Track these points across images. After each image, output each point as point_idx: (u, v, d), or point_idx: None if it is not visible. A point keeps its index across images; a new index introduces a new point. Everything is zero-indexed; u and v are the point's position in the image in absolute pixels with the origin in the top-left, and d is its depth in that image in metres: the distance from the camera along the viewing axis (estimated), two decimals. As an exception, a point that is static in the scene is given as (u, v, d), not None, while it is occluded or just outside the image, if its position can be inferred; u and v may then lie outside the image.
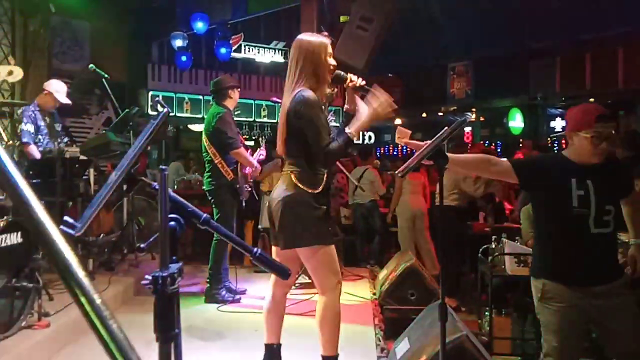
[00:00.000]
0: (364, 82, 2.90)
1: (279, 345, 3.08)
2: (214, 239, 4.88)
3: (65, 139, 5.11)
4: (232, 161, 4.92)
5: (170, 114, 10.90)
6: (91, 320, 0.83)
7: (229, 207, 4.93)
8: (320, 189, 2.82)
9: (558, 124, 13.74)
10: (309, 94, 2.76)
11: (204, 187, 5.07)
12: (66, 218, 1.47)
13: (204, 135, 4.98)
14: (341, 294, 2.96)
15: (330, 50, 2.88)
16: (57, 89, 5.11)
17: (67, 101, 5.14)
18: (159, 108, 1.66)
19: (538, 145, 7.13)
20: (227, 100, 5.05)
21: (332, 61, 2.88)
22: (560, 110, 13.67)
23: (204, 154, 5.03)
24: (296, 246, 2.84)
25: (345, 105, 2.93)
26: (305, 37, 2.91)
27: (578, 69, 11.38)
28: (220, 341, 3.96)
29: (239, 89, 5.22)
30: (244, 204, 5.05)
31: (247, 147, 5.25)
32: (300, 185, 2.78)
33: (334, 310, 2.87)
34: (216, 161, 4.88)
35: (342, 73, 2.93)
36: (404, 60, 12.53)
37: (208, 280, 4.96)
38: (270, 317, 3.07)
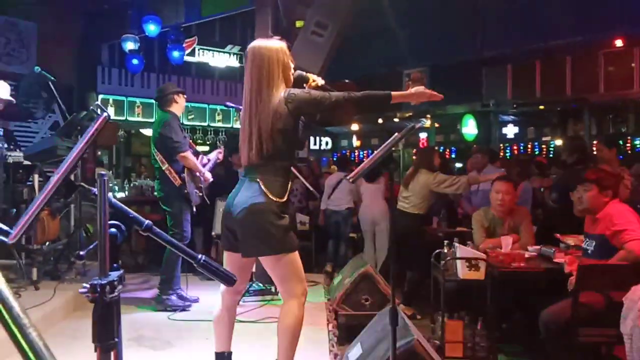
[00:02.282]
0: (323, 82, 2.93)
1: (230, 353, 3.03)
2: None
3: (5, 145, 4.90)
4: (180, 167, 4.87)
5: (122, 118, 10.67)
6: (9, 328, 0.78)
7: (180, 214, 4.86)
8: (285, 198, 2.81)
9: (510, 130, 14.10)
10: (300, 90, 2.80)
11: (155, 194, 5.03)
12: None
13: (152, 143, 4.93)
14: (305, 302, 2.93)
15: (288, 53, 2.89)
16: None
17: (8, 98, 4.92)
18: (99, 112, 1.60)
19: (490, 151, 7.27)
20: (172, 105, 5.03)
21: (292, 64, 2.89)
22: (512, 117, 14.03)
23: (152, 162, 4.98)
24: (261, 254, 2.80)
25: None
26: (265, 42, 2.88)
27: (528, 77, 11.70)
28: (170, 350, 3.87)
29: (184, 95, 5.21)
30: (194, 210, 4.98)
31: (197, 153, 5.18)
32: (268, 194, 2.74)
33: (297, 317, 2.85)
34: (164, 168, 4.82)
35: (304, 73, 2.95)
36: (359, 66, 12.62)
37: (159, 286, 4.89)
38: (220, 325, 3.01)
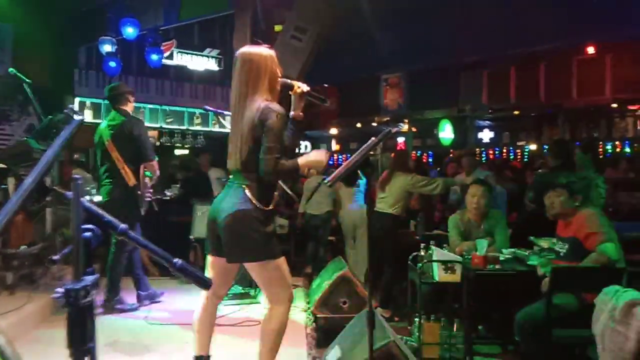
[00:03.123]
0: (308, 89, 2.95)
1: (209, 356, 3.03)
2: (111, 247, 4.84)
3: None
4: (135, 168, 4.86)
5: (99, 121, 10.52)
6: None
7: (132, 217, 4.74)
8: (271, 206, 2.83)
9: (486, 135, 14.27)
10: (278, 107, 2.76)
11: (100, 198, 4.99)
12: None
13: (105, 140, 4.88)
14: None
15: (277, 62, 2.91)
16: None
17: None
18: (75, 117, 1.59)
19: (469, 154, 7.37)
20: (127, 105, 5.03)
21: (279, 73, 2.92)
22: (487, 122, 14.21)
23: (98, 162, 5.00)
24: (244, 261, 2.82)
25: (291, 112, 2.95)
26: (256, 49, 2.89)
27: (503, 83, 11.89)
28: (148, 354, 3.84)
29: (133, 95, 5.20)
30: (142, 213, 4.95)
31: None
32: (254, 201, 2.75)
33: (281, 322, 2.87)
34: (119, 166, 4.80)
35: (289, 81, 2.96)
36: (339, 70, 12.68)
37: (107, 292, 4.85)
38: (200, 329, 3.01)
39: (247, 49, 2.91)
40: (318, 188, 7.25)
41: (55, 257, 1.67)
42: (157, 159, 4.97)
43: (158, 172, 5.01)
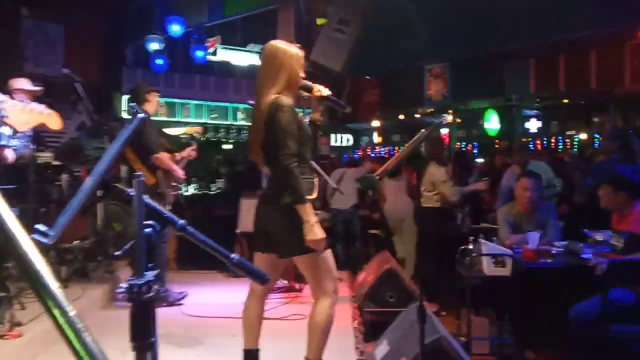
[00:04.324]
0: (329, 93, 2.96)
1: (258, 350, 3.06)
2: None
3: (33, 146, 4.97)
4: (153, 166, 4.86)
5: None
6: (65, 333, 0.80)
7: None
8: (315, 194, 2.86)
9: (533, 125, 13.93)
10: (286, 101, 2.79)
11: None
12: (38, 226, 1.44)
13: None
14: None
15: (302, 62, 2.95)
16: (23, 85, 4.90)
17: (38, 88, 4.95)
18: (139, 113, 1.63)
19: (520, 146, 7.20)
20: (145, 104, 5.01)
21: (302, 74, 2.94)
22: (535, 111, 13.87)
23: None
24: (296, 254, 2.83)
25: (310, 115, 3.00)
26: (283, 45, 2.93)
27: (552, 71, 11.56)
28: (198, 347, 3.92)
29: (157, 93, 5.21)
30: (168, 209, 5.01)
31: (170, 151, 5.20)
32: None
33: (329, 315, 2.90)
34: (136, 167, 4.85)
35: (309, 83, 2.97)
36: (381, 62, 12.59)
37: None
38: (249, 322, 3.05)
39: (274, 43, 2.95)
40: (341, 180, 7.12)
41: (117, 253, 1.72)
42: (173, 150, 4.97)
43: (171, 165, 4.99)
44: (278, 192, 2.82)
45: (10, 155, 4.71)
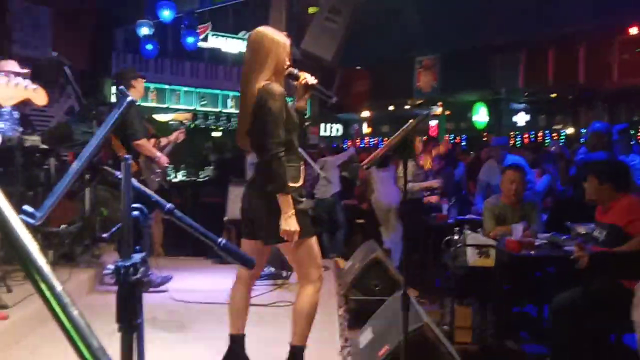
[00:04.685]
0: (316, 81, 2.96)
1: (243, 335, 3.10)
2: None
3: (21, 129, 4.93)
4: (136, 153, 4.84)
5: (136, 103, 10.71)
6: (52, 307, 0.82)
7: None
8: (301, 181, 2.88)
9: (521, 118, 14.02)
10: (277, 88, 2.80)
11: None
12: (25, 207, 1.45)
13: None
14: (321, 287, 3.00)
15: (289, 50, 2.96)
16: (10, 67, 4.85)
17: (26, 70, 4.91)
18: (126, 97, 1.64)
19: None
20: (130, 90, 4.93)
21: (288, 61, 2.95)
22: (523, 105, 13.95)
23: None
24: (281, 241, 2.84)
25: (295, 103, 3.01)
26: (270, 32, 2.93)
27: (541, 65, 11.62)
28: (182, 333, 3.94)
29: (143, 79, 5.17)
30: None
31: (155, 136, 5.21)
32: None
33: (313, 302, 2.92)
34: (120, 154, 4.84)
35: (296, 71, 2.97)
36: (371, 53, 12.59)
37: None
38: (235, 308, 3.08)
39: (262, 30, 2.94)
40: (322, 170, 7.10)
41: (104, 235, 1.73)
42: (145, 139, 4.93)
43: (154, 152, 4.98)
44: (263, 179, 2.83)
45: None
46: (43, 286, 0.81)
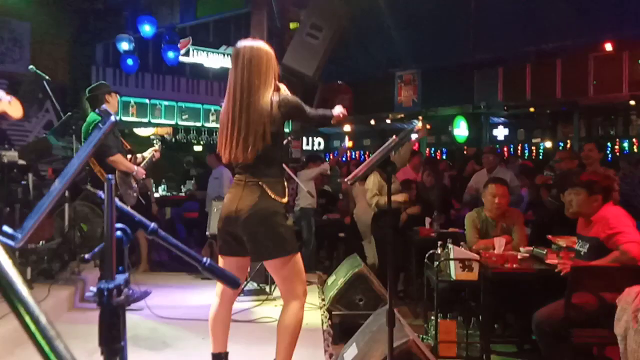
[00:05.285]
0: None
1: (226, 353, 3.05)
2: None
3: None
4: (110, 168, 4.82)
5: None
6: (36, 340, 0.80)
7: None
8: (286, 198, 2.88)
9: (500, 132, 14.20)
10: (288, 94, 2.91)
11: None
12: (5, 228, 1.42)
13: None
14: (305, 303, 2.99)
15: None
16: None
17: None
18: (110, 117, 1.61)
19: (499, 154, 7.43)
20: (106, 104, 4.98)
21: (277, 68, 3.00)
22: (502, 119, 14.13)
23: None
24: (273, 257, 2.81)
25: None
26: (261, 45, 2.92)
27: (519, 80, 11.80)
28: (166, 350, 3.88)
29: (116, 93, 5.20)
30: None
31: (131, 152, 5.20)
32: (273, 196, 2.79)
33: (298, 318, 2.89)
34: (95, 170, 4.82)
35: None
36: (353, 68, 12.68)
37: None
38: (216, 326, 3.02)
39: (254, 43, 2.93)
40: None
41: (87, 256, 1.70)
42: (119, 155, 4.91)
43: (129, 166, 4.98)
44: (260, 191, 2.79)
45: None
46: (27, 318, 0.79)
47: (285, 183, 2.95)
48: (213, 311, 3.02)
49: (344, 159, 15.40)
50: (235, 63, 2.87)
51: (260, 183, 2.80)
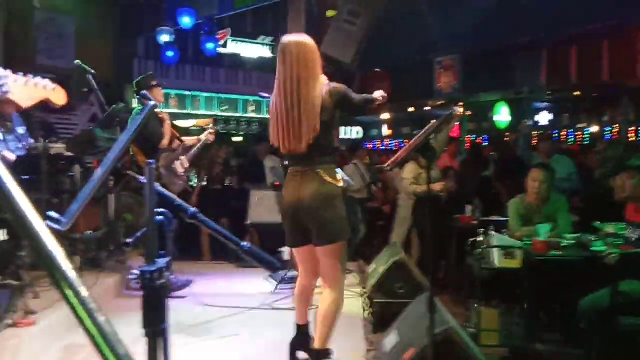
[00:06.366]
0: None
1: (307, 324, 3.23)
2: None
3: (24, 143, 4.87)
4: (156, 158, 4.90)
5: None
6: (77, 313, 0.82)
7: None
8: (341, 184, 3.00)
9: (544, 117, 13.83)
10: (336, 83, 2.99)
11: None
12: (51, 213, 1.46)
13: None
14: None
15: None
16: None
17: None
18: (149, 101, 1.64)
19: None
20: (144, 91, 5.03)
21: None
22: (546, 104, 13.76)
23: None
24: (336, 241, 2.92)
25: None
26: (307, 39, 3.04)
27: (564, 63, 11.44)
28: (208, 337, 3.94)
29: (159, 88, 5.25)
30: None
31: (180, 140, 5.28)
32: (331, 180, 2.92)
33: (338, 304, 2.97)
34: (140, 160, 4.90)
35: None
36: (391, 54, 12.53)
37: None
38: (299, 302, 3.22)
39: (299, 38, 3.04)
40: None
41: (128, 241, 1.74)
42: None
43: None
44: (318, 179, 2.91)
45: (9, 155, 4.70)
46: (69, 292, 0.81)
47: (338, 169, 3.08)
48: (296, 290, 3.24)
49: (382, 146, 15.30)
50: (283, 58, 2.97)
51: (317, 170, 2.91)
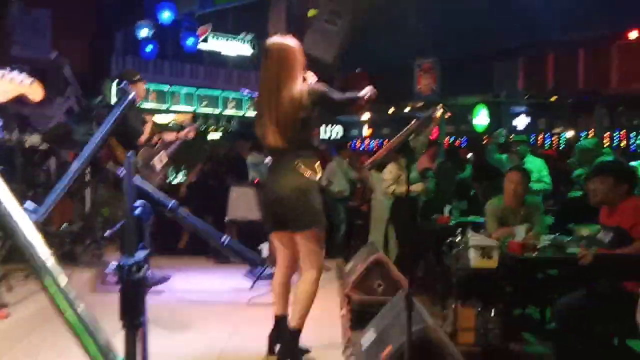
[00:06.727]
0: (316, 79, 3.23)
1: (284, 316, 3.27)
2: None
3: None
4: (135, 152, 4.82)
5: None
6: (56, 302, 0.80)
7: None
8: (319, 175, 3.18)
9: (521, 121, 14.03)
10: (314, 83, 3.16)
11: None
12: (28, 204, 1.43)
13: None
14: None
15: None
16: None
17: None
18: (128, 94, 1.62)
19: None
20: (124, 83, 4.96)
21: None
22: (523, 108, 13.95)
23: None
24: (310, 228, 3.08)
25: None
26: (289, 41, 3.16)
27: (541, 69, 11.62)
28: (187, 332, 3.90)
29: (142, 82, 5.11)
30: None
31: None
32: (308, 173, 3.08)
33: (314, 286, 3.14)
34: (117, 153, 4.82)
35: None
36: (372, 56, 12.60)
37: None
38: (278, 292, 3.32)
39: (282, 40, 3.19)
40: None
41: (106, 234, 1.72)
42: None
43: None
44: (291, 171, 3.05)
45: None
46: (47, 281, 0.79)
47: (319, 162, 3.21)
48: (276, 281, 3.34)
49: (361, 146, 15.36)
50: (265, 59, 3.16)
51: (295, 163, 3.06)
